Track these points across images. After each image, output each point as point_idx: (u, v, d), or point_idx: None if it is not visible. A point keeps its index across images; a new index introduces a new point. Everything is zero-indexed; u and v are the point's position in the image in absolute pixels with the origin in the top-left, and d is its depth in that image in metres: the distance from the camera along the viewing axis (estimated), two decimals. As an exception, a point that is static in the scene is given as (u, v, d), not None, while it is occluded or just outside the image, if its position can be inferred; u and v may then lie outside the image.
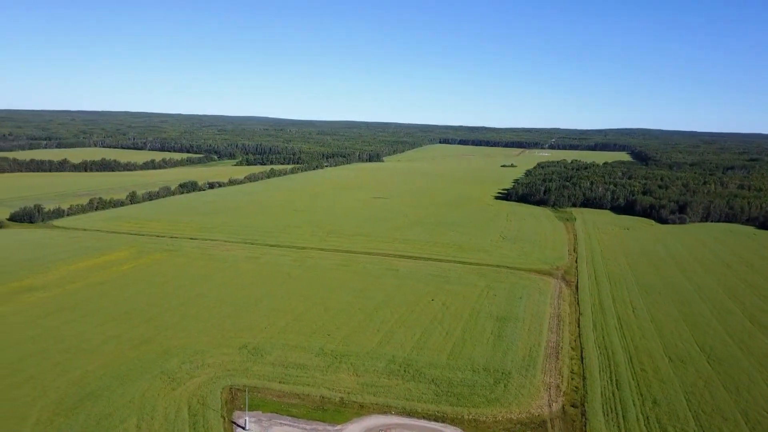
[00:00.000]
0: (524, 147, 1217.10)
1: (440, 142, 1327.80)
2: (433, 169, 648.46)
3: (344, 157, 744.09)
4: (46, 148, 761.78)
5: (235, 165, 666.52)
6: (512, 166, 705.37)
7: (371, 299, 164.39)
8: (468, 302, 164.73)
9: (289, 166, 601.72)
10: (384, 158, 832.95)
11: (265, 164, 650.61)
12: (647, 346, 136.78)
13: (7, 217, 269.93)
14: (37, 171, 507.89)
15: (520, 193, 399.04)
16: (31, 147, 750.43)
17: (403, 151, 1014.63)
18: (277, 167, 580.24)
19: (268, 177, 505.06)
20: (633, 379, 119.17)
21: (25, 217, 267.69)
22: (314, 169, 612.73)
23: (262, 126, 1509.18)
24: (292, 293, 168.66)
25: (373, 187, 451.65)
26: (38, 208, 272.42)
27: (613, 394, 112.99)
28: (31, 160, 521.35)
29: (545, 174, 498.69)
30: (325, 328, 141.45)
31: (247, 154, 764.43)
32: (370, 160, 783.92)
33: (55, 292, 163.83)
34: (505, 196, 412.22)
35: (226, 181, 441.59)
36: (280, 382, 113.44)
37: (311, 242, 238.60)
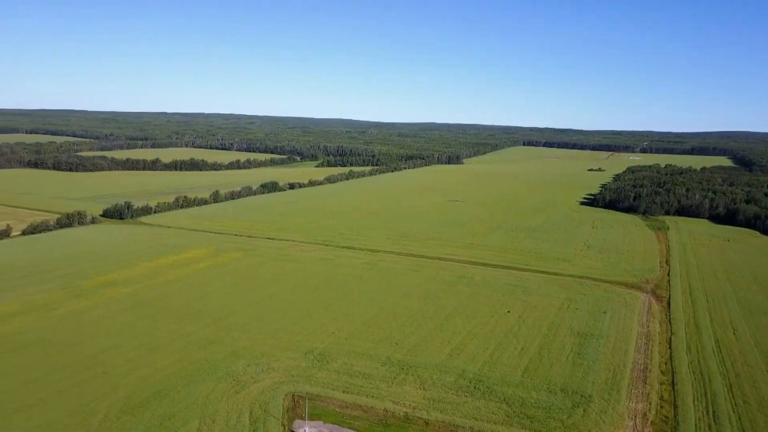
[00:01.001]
0: (613, 150, 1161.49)
1: (524, 144, 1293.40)
2: (514, 171, 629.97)
3: (423, 159, 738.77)
4: (142, 147, 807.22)
5: (316, 166, 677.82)
6: (600, 170, 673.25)
7: (442, 308, 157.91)
8: (547, 315, 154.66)
9: (368, 168, 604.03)
10: (464, 160, 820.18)
11: (345, 166, 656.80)
12: (751, 375, 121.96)
13: (100, 213, 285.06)
14: (132, 169, 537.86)
15: (608, 199, 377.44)
16: (128, 147, 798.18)
17: (484, 153, 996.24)
18: (356, 169, 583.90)
19: (347, 178, 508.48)
20: (734, 412, 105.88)
21: (116, 213, 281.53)
22: (392, 171, 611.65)
23: (344, 128, 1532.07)
24: (362, 298, 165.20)
25: (450, 189, 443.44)
26: (128, 205, 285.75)
27: (710, 428, 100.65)
28: (127, 159, 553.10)
29: (636, 179, 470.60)
30: (393, 336, 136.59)
31: (328, 155, 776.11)
32: (449, 162, 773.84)
33: (134, 288, 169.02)
34: (591, 201, 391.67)
35: (306, 182, 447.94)
36: (343, 392, 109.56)
37: (384, 245, 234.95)
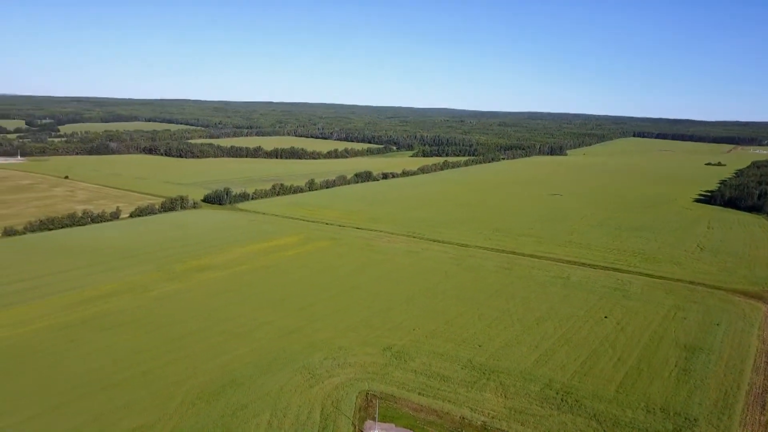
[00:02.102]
0: (737, 143, 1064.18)
1: (634, 136, 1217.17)
2: (622, 164, 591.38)
3: (523, 149, 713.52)
4: (247, 136, 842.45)
5: (411, 156, 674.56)
6: (719, 164, 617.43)
7: (533, 310, 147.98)
8: (649, 323, 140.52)
9: (464, 158, 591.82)
10: (567, 152, 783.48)
11: (440, 156, 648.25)
12: None
13: (202, 198, 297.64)
14: (236, 157, 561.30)
15: (727, 197, 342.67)
16: (235, 135, 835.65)
17: (590, 144, 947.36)
18: (452, 159, 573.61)
19: (442, 169, 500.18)
20: None
21: (216, 199, 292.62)
22: (490, 161, 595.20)
23: (442, 117, 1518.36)
24: (446, 294, 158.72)
25: (551, 182, 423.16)
26: (227, 192, 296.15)
27: None
28: (232, 147, 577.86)
29: (761, 175, 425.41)
30: (476, 338, 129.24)
31: (424, 145, 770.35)
32: (551, 153, 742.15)
33: (225, 273, 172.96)
34: (708, 199, 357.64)
35: (399, 172, 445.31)
36: (419, 394, 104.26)
37: (475, 240, 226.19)
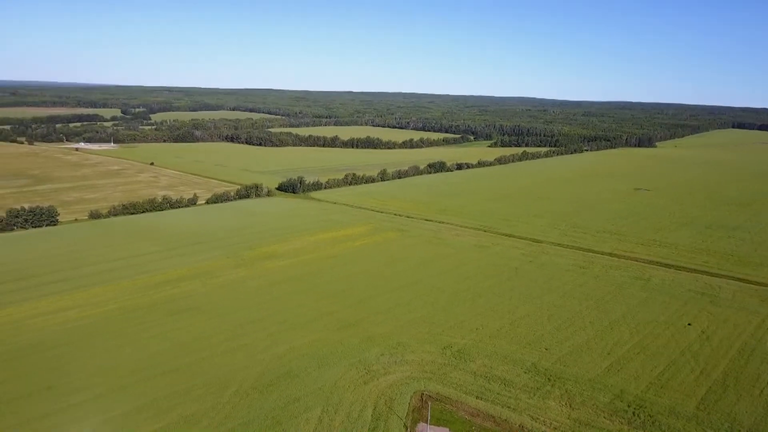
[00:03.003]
0: None
1: (733, 127, 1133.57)
2: (718, 158, 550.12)
3: (608, 140, 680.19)
4: (325, 125, 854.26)
5: (489, 146, 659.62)
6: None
7: (607, 312, 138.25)
8: (740, 334, 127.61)
9: (544, 149, 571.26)
10: (657, 143, 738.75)
11: (519, 146, 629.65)
12: None
13: (276, 186, 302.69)
14: (313, 146, 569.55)
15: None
16: (314, 124, 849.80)
17: (682, 136, 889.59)
18: (530, 150, 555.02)
19: (520, 160, 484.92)
20: None
21: (289, 187, 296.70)
22: (571, 153, 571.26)
23: (524, 107, 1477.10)
24: (514, 292, 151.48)
25: (636, 176, 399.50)
26: (300, 180, 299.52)
27: None
28: (309, 136, 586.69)
29: None
30: (543, 340, 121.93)
31: (503, 135, 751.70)
32: (639, 145, 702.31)
33: (290, 262, 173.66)
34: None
35: (474, 162, 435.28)
36: (477, 397, 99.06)
37: (549, 235, 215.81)
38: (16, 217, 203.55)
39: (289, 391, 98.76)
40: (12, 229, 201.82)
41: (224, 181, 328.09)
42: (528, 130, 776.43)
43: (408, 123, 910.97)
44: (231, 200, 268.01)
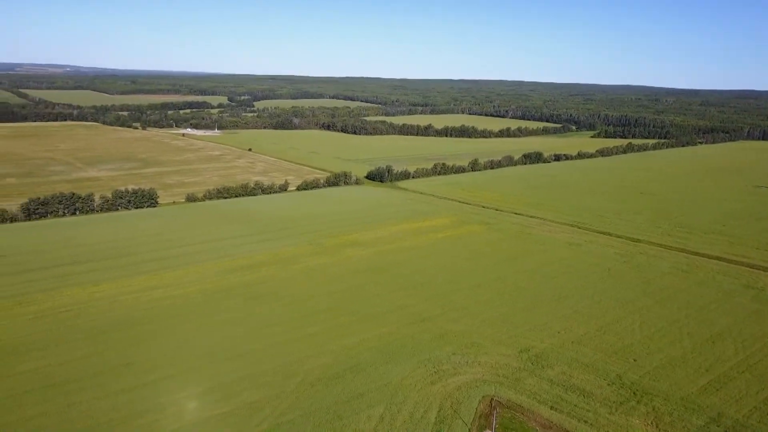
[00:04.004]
0: None
1: None
2: None
3: (726, 133, 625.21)
4: (421, 113, 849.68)
5: (591, 137, 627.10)
6: None
7: (709, 324, 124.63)
8: None
9: (652, 141, 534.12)
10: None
11: (625, 137, 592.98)
12: None
13: (364, 175, 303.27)
14: (407, 134, 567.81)
15: None
16: (410, 112, 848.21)
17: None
18: (637, 141, 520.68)
19: (624, 152, 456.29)
20: None
21: (377, 176, 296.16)
22: (683, 145, 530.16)
23: (633, 95, 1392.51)
24: (605, 295, 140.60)
25: (757, 172, 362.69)
26: (388, 169, 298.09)
27: None
28: (403, 125, 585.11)
29: None
30: (632, 350, 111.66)
31: (607, 125, 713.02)
32: (763, 138, 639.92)
33: (370, 251, 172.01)
34: None
35: (574, 154, 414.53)
36: (551, 408, 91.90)
37: (650, 234, 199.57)
38: (121, 198, 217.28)
39: (354, 385, 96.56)
40: (117, 209, 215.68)
41: (316, 168, 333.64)
42: (636, 121, 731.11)
43: (506, 111, 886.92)
44: (320, 187, 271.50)
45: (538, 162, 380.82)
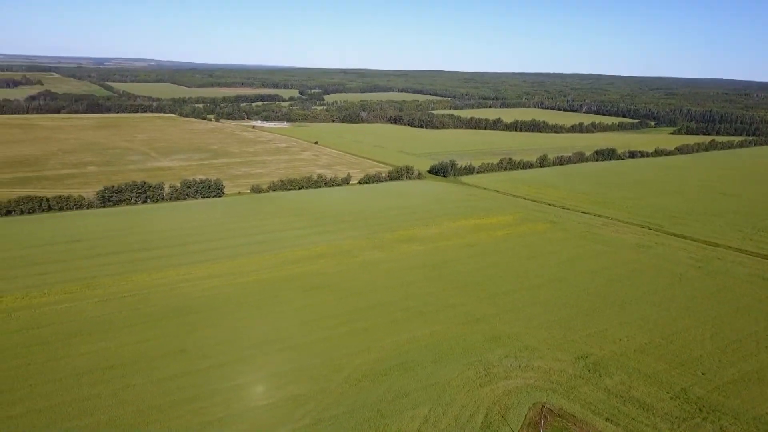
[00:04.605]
0: None
1: None
2: None
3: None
4: (491, 107, 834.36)
5: (671, 133, 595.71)
6: None
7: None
8: None
9: (738, 139, 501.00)
10: None
11: (708, 134, 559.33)
12: None
13: (427, 169, 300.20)
14: (474, 128, 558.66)
15: None
16: (479, 106, 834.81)
17: None
18: (721, 139, 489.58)
19: (705, 150, 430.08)
20: None
21: (440, 170, 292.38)
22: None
23: (719, 89, 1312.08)
24: (673, 302, 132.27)
25: None
26: (452, 164, 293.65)
27: None
28: (471, 118, 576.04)
29: None
30: (701, 363, 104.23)
31: (689, 121, 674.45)
32: None
33: (427, 247, 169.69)
34: None
35: (650, 151, 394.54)
36: (607, 420, 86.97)
37: (729, 238, 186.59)
38: (188, 187, 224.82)
39: (400, 384, 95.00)
40: (185, 198, 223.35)
41: (379, 162, 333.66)
42: (721, 117, 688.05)
43: (581, 106, 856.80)
44: (382, 181, 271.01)
45: (610, 159, 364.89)
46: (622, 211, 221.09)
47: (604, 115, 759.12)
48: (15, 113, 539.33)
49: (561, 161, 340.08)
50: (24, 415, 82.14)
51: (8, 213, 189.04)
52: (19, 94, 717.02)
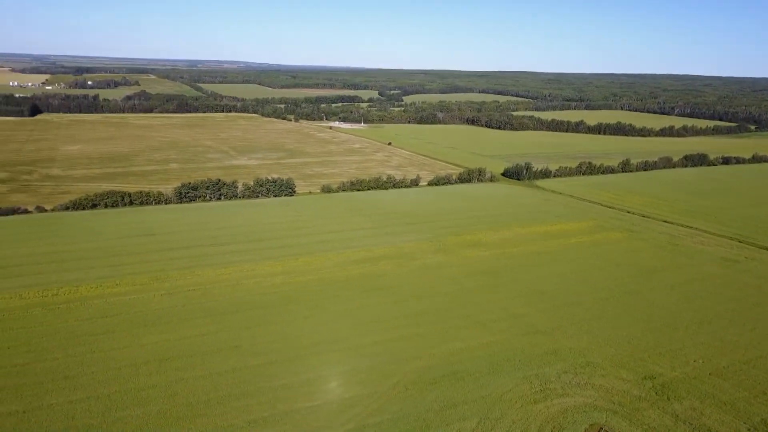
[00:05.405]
0: None
1: None
2: None
3: None
4: (575, 109, 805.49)
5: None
6: None
7: None
8: None
9: None
10: None
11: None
12: None
13: (501, 172, 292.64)
14: (555, 131, 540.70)
15: None
16: (562, 108, 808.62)
17: None
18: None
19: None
20: None
21: (515, 173, 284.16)
22: None
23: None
24: (759, 322, 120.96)
25: None
26: (527, 167, 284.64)
27: None
28: (552, 120, 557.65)
29: None
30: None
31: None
32: None
33: (493, 252, 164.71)
34: None
35: (748, 157, 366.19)
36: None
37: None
38: (261, 186, 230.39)
39: (450, 394, 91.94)
40: (257, 197, 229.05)
41: (451, 163, 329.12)
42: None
43: (672, 108, 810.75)
44: (452, 183, 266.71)
45: (701, 165, 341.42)
46: (710, 222, 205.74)
47: (697, 118, 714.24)
48: (113, 112, 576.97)
49: (645, 166, 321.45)
50: (83, 401, 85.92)
51: (94, 206, 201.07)
52: (118, 94, 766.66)
